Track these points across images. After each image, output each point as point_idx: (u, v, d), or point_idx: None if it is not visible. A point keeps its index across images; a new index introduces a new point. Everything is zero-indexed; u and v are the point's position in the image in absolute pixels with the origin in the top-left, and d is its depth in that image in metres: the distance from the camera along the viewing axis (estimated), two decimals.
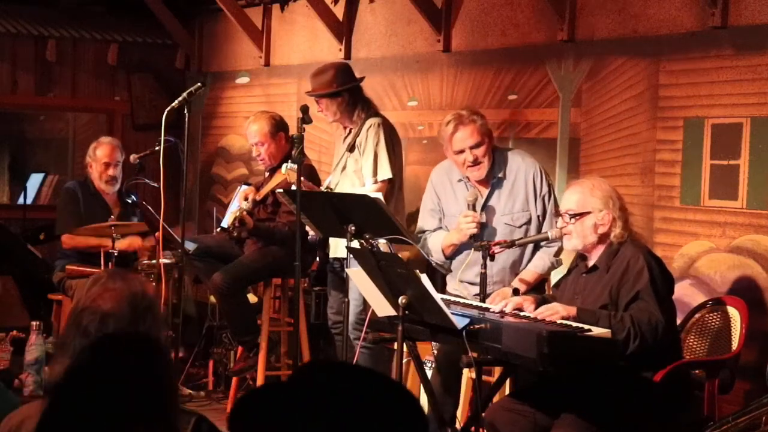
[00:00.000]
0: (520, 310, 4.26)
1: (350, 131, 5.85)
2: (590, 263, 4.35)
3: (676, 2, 5.24)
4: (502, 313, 4.27)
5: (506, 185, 4.96)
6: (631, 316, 4.03)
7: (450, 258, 5.04)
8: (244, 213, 5.93)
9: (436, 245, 5.04)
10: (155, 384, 2.10)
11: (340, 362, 1.74)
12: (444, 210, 5.07)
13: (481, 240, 4.76)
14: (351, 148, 5.77)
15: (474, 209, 4.88)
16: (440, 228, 5.09)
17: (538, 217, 4.93)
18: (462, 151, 4.90)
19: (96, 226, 6.60)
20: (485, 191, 4.97)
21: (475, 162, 4.89)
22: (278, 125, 6.19)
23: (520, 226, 4.93)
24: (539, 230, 4.90)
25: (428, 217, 5.13)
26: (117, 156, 6.99)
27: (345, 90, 5.77)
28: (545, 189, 4.96)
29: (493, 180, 4.96)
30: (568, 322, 4.05)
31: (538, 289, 4.95)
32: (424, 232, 5.13)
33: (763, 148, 4.83)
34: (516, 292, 4.78)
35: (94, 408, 2.02)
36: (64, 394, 2.08)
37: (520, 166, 4.98)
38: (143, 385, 2.07)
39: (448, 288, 5.13)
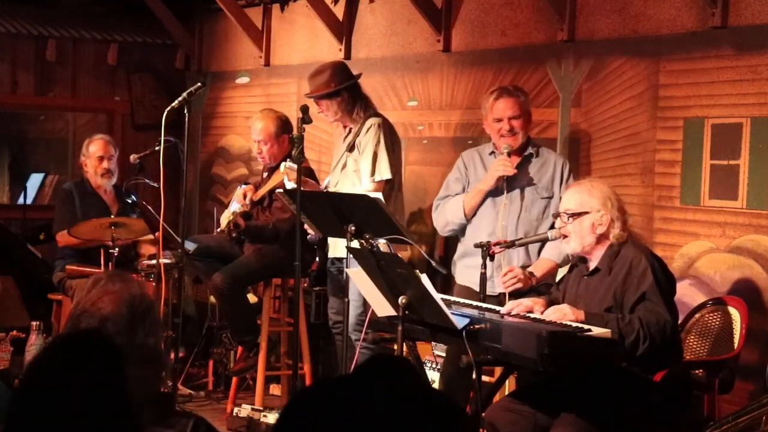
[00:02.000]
0: (530, 312, 4.26)
1: (350, 131, 5.85)
2: (591, 266, 4.34)
3: (676, 2, 5.24)
4: (505, 312, 4.27)
5: (536, 162, 5.20)
6: (639, 318, 4.02)
7: (468, 219, 5.16)
8: (238, 216, 5.93)
9: (456, 203, 5.22)
10: (109, 383, 2.10)
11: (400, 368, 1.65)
12: (470, 178, 5.27)
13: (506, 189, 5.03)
14: (351, 148, 5.77)
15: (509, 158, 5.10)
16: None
17: (561, 198, 5.01)
18: (500, 120, 5.14)
19: (95, 221, 6.59)
20: (516, 161, 5.15)
21: (511, 131, 5.10)
22: (284, 127, 6.21)
23: (543, 198, 5.14)
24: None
25: (453, 184, 5.34)
26: (110, 150, 7.00)
27: (344, 88, 5.78)
28: (571, 179, 5.14)
29: (525, 154, 5.18)
30: (569, 322, 4.04)
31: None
32: (444, 198, 5.30)
33: (763, 148, 4.83)
34: (531, 274, 4.88)
35: (48, 407, 2.04)
36: (20, 395, 2.10)
37: (551, 154, 5.26)
38: (97, 384, 2.08)
39: (456, 275, 5.20)
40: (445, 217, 5.25)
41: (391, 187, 5.71)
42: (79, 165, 7.15)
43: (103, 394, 2.09)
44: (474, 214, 5.17)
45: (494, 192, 5.11)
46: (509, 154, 5.08)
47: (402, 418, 1.50)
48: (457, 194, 5.27)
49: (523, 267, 5.01)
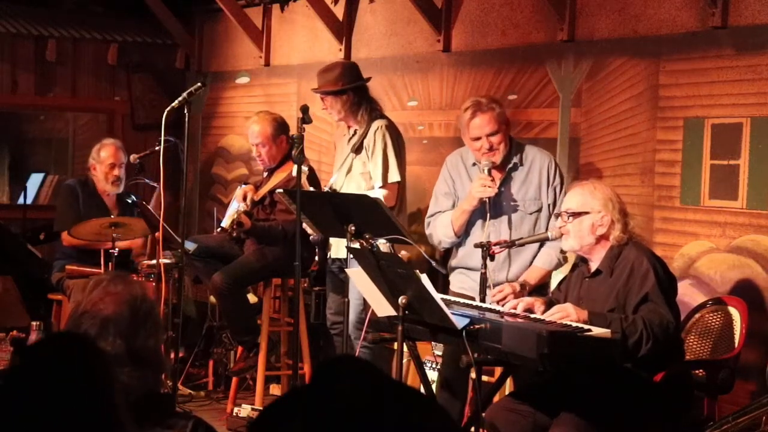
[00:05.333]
0: (531, 311, 4.25)
1: (355, 132, 5.85)
2: (593, 267, 4.34)
3: (676, 2, 5.24)
4: (506, 312, 4.27)
5: (521, 172, 5.01)
6: (642, 319, 4.02)
7: (459, 236, 5.05)
8: (242, 215, 5.93)
9: (445, 220, 5.06)
10: (89, 386, 2.08)
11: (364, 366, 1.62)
12: (458, 194, 5.10)
13: (491, 209, 4.87)
14: (357, 150, 5.77)
15: (489, 175, 4.90)
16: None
17: (549, 206, 4.96)
18: (478, 138, 4.94)
19: (96, 221, 6.59)
20: (500, 177, 4.99)
21: (491, 149, 4.93)
22: (280, 128, 6.20)
23: (531, 213, 4.98)
24: (549, 219, 4.92)
25: (442, 199, 5.16)
26: (121, 157, 7.00)
27: (350, 89, 5.78)
28: (557, 180, 5.01)
29: (508, 166, 5.00)
30: (569, 322, 4.04)
31: (540, 290, 4.96)
32: (435, 215, 5.16)
33: (763, 148, 4.83)
34: (523, 287, 4.82)
35: (27, 412, 2.02)
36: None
37: (536, 156, 5.04)
38: (76, 388, 2.05)
39: (452, 281, 5.17)
40: (437, 236, 5.11)
41: (401, 188, 5.74)
42: (88, 167, 7.12)
43: (85, 399, 2.06)
44: (465, 234, 5.04)
45: (482, 211, 4.94)
46: (489, 172, 4.90)
47: (367, 416, 1.48)
48: (447, 210, 5.12)
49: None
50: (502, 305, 4.71)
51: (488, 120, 4.92)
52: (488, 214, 4.90)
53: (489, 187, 4.84)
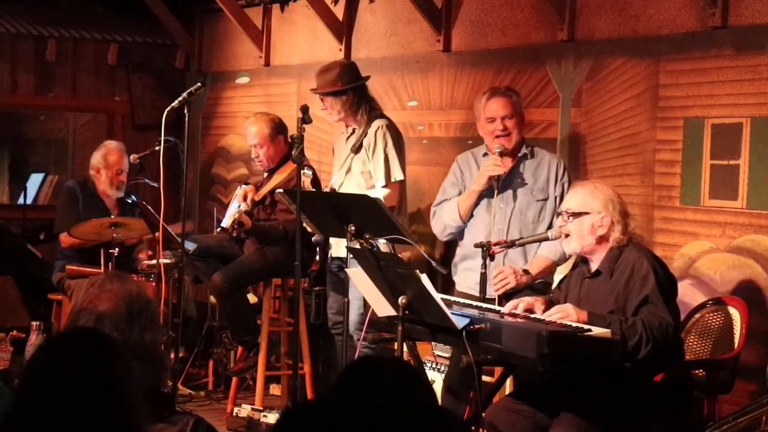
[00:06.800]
0: (531, 311, 4.25)
1: (353, 131, 5.86)
2: (593, 267, 4.33)
3: (676, 2, 5.24)
4: (506, 312, 4.27)
5: (531, 164, 5.15)
6: (642, 321, 4.01)
7: (464, 220, 5.13)
8: (242, 214, 5.93)
9: (452, 205, 5.18)
10: (106, 380, 2.11)
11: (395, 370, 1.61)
12: (466, 183, 5.21)
13: (498, 190, 4.98)
14: (357, 149, 5.77)
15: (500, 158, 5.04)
16: None
17: (556, 198, 5.04)
18: (493, 120, 5.10)
19: (96, 221, 6.59)
20: (510, 163, 5.11)
21: (505, 131, 5.07)
22: (278, 128, 6.21)
23: (538, 201, 5.09)
24: (555, 211, 4.95)
25: (449, 189, 5.29)
26: (126, 162, 7.00)
27: (350, 89, 5.79)
28: (566, 178, 5.13)
29: (519, 155, 5.13)
30: (569, 322, 4.04)
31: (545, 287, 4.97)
32: (441, 203, 5.27)
33: (763, 148, 4.83)
34: (526, 272, 4.87)
35: (45, 405, 2.05)
36: (20, 394, 2.11)
37: (546, 155, 5.20)
38: (93, 382, 2.09)
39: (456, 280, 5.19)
40: (442, 221, 5.22)
41: (403, 187, 5.76)
42: (88, 168, 7.11)
43: (99, 391, 2.10)
44: (470, 217, 5.14)
45: (488, 193, 5.06)
46: (501, 155, 5.02)
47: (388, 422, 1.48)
48: (454, 198, 5.23)
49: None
50: (502, 288, 4.73)
51: (504, 104, 5.10)
52: (495, 191, 5.00)
53: (498, 166, 4.96)
